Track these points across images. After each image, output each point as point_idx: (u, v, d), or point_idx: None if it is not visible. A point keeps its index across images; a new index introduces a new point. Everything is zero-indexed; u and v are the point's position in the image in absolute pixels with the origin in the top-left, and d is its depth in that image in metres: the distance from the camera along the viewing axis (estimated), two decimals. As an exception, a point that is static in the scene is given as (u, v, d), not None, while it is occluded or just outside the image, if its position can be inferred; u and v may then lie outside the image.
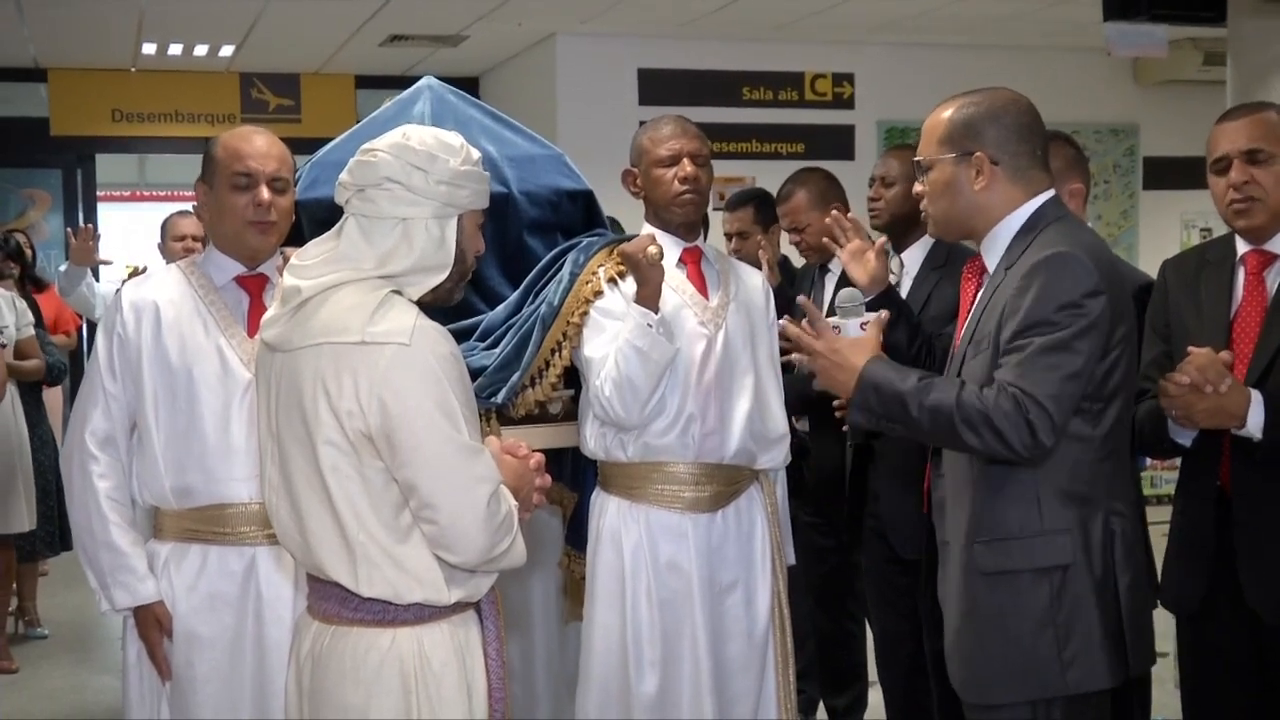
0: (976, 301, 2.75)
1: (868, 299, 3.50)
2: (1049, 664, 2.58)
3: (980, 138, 2.69)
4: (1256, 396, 2.89)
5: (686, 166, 3.46)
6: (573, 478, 3.72)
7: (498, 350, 3.50)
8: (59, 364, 6.52)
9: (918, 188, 2.82)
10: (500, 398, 3.43)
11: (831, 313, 3.08)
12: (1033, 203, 2.70)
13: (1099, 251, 2.64)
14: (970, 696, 2.70)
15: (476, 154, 2.49)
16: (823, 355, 2.69)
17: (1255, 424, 2.90)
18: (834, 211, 3.76)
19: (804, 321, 2.78)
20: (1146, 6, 4.78)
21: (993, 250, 2.73)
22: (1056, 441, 2.52)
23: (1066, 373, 2.51)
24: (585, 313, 3.45)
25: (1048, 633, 2.58)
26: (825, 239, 3.80)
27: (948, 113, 2.74)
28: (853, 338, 2.72)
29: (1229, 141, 3.09)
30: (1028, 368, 2.50)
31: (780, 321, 2.80)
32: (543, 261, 3.65)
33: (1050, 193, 2.73)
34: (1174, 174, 9.79)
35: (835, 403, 3.15)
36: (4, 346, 5.83)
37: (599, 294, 3.46)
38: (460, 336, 2.48)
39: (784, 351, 3.79)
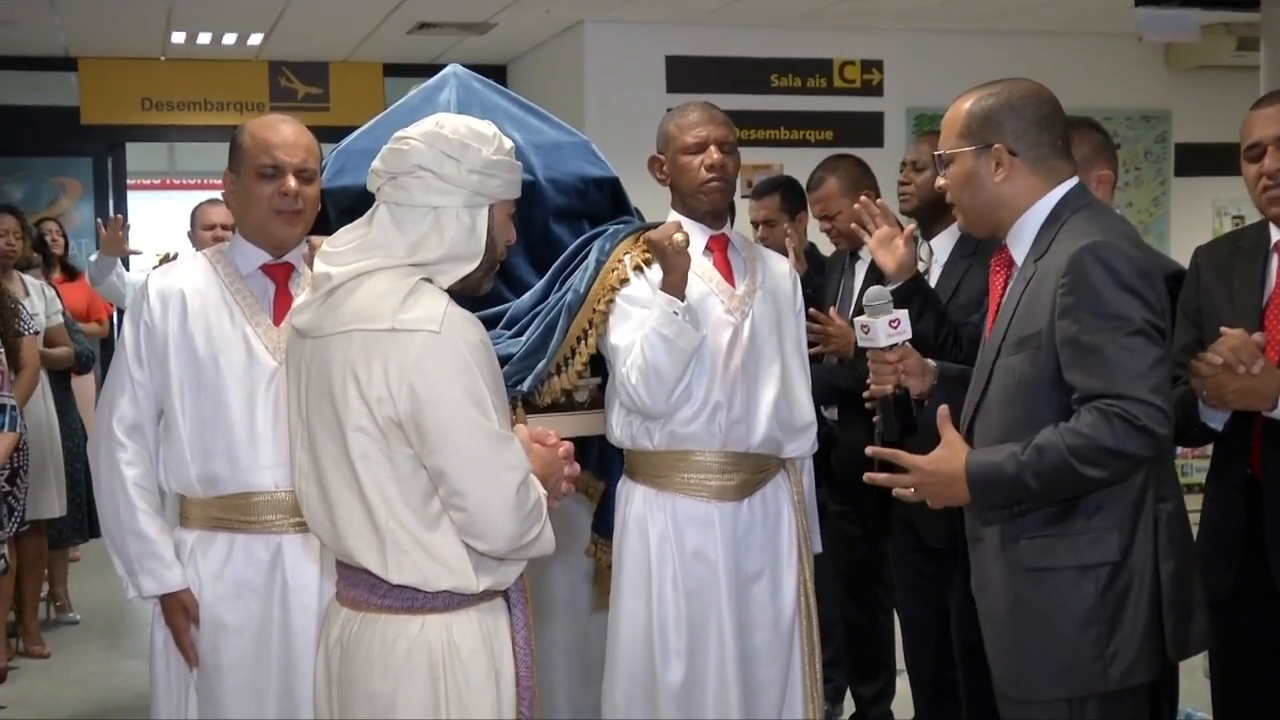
0: (1008, 295, 2.71)
1: (895, 286, 3.49)
2: (1092, 661, 2.56)
3: (999, 130, 2.67)
4: None
5: (713, 154, 3.45)
6: (599, 466, 3.72)
7: (524, 338, 3.50)
8: (88, 352, 6.55)
9: (940, 181, 2.80)
10: (526, 386, 3.43)
11: (860, 310, 3.07)
12: (1056, 192, 2.68)
13: (1130, 236, 2.63)
14: (1012, 691, 2.68)
15: (509, 144, 2.49)
16: (926, 484, 2.64)
17: None
18: (863, 198, 3.74)
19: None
20: (1180, -9, 4.74)
21: (1019, 242, 2.71)
22: (1172, 426, 2.49)
23: (1152, 359, 2.47)
24: (611, 300, 3.45)
25: (1092, 630, 2.56)
26: (854, 225, 3.78)
27: (966, 105, 2.72)
28: (936, 453, 2.63)
29: (1263, 128, 3.07)
30: (1113, 370, 2.46)
31: (867, 475, 2.76)
32: (569, 249, 3.65)
33: (1074, 181, 2.71)
34: (1206, 160, 9.73)
35: (865, 394, 3.13)
36: (36, 334, 5.87)
37: (625, 281, 3.46)
38: (486, 324, 2.48)
39: (812, 344, 3.80)
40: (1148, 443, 2.45)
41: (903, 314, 2.97)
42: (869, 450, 2.73)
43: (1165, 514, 2.60)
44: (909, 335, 2.98)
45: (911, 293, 3.54)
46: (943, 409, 2.67)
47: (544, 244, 3.70)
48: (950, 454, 2.60)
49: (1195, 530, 3.16)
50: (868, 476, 2.72)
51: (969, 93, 2.75)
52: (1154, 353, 2.48)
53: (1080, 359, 2.49)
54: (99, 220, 6.56)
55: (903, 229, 3.57)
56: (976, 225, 2.81)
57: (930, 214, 4.12)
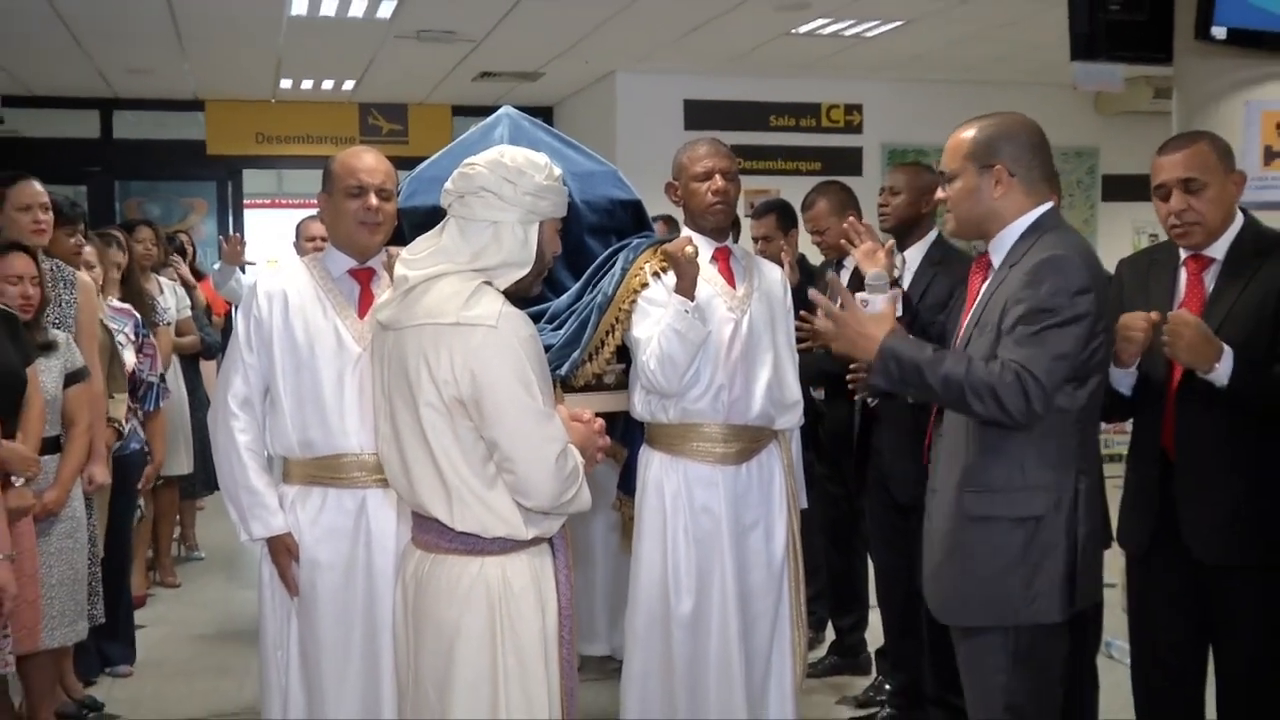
0: (981, 293, 2.68)
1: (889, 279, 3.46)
2: (1015, 598, 2.55)
3: (1000, 152, 2.62)
4: (1228, 350, 2.82)
5: (718, 181, 3.44)
6: (624, 436, 3.71)
7: (562, 331, 3.49)
8: (216, 343, 6.58)
9: (940, 194, 2.75)
10: (564, 370, 3.42)
11: (862, 288, 3.04)
12: (1036, 211, 2.64)
13: (1089, 255, 2.58)
14: (945, 619, 2.68)
15: (558, 172, 2.48)
16: (848, 326, 2.59)
17: (1225, 370, 2.81)
18: (850, 219, 3.71)
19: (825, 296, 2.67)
20: (1106, 48, 4.69)
21: (999, 250, 2.66)
22: (1048, 409, 2.47)
23: (1058, 352, 2.46)
24: (634, 301, 3.44)
25: (1018, 571, 2.54)
26: (841, 241, 3.76)
27: (970, 132, 2.66)
28: (873, 314, 2.61)
29: (1168, 172, 2.99)
30: (1027, 346, 2.45)
31: (812, 291, 2.70)
32: (599, 258, 3.64)
33: (1051, 204, 2.67)
34: (1128, 189, 9.69)
35: (849, 375, 3.10)
36: (169, 325, 5.90)
37: (646, 285, 3.44)
38: (532, 320, 2.47)
39: (800, 339, 3.78)
40: (1024, 410, 2.44)
41: (898, 292, 2.94)
42: (812, 294, 2.67)
43: (1085, 486, 2.58)
44: (902, 313, 2.95)
45: None
46: (897, 291, 2.70)
47: (579, 254, 3.69)
48: (879, 321, 2.58)
49: (1120, 494, 3.14)
50: (811, 293, 2.67)
51: (970, 122, 2.69)
52: (1061, 348, 2.47)
53: (1008, 338, 2.49)
54: (221, 237, 6.65)
55: (883, 244, 3.53)
56: (967, 232, 2.76)
57: (904, 230, 4.09)
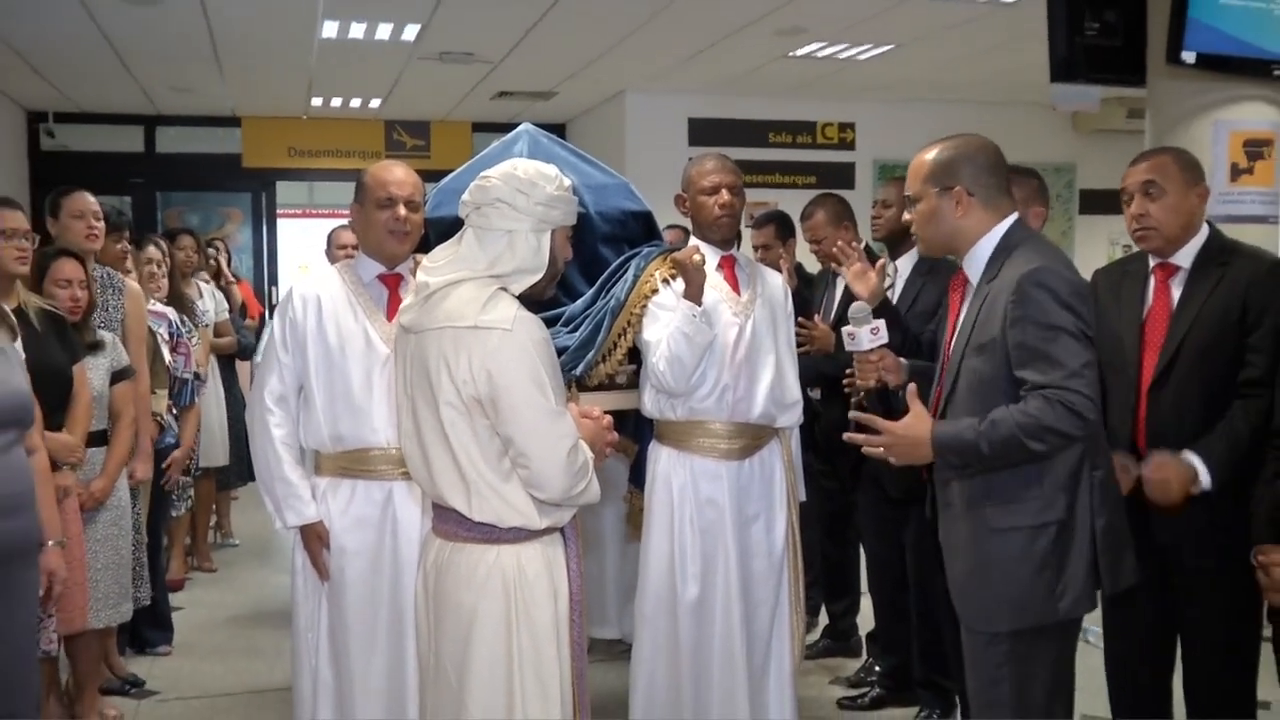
0: (966, 310, 2.61)
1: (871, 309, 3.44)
2: (1045, 599, 2.48)
3: (958, 174, 2.57)
4: (1198, 463, 2.81)
5: (724, 195, 3.42)
6: (635, 432, 3.71)
7: (578, 334, 3.48)
8: (251, 345, 6.59)
9: (906, 216, 2.71)
10: (579, 370, 3.41)
11: (844, 320, 3.01)
12: (1002, 225, 2.58)
13: (1065, 262, 2.55)
14: (977, 625, 2.57)
15: (568, 183, 2.47)
16: (894, 444, 2.52)
17: (1205, 480, 2.81)
18: (841, 240, 3.68)
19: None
20: (1084, 71, 4.70)
21: (973, 265, 2.60)
22: (1098, 411, 2.42)
23: (1084, 361, 2.40)
24: (645, 306, 3.42)
25: (1045, 574, 2.47)
26: (834, 265, 3.75)
27: (930, 155, 2.62)
28: (905, 420, 2.51)
29: (1131, 179, 3.01)
30: (1052, 366, 2.38)
31: (853, 415, 2.61)
32: (612, 266, 3.63)
33: (1015, 216, 2.61)
34: (1103, 203, 9.69)
35: (845, 380, 3.08)
36: (207, 327, 5.91)
37: (656, 291, 3.43)
38: (549, 323, 2.46)
39: (799, 343, 3.77)
40: (1079, 424, 2.38)
41: (880, 322, 2.89)
42: (851, 415, 2.63)
43: (1098, 479, 2.51)
44: (886, 339, 2.90)
45: (880, 314, 3.48)
46: (911, 386, 2.58)
47: (593, 262, 3.68)
48: (917, 422, 2.50)
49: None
50: (846, 436, 2.61)
51: (930, 145, 2.65)
52: (1085, 355, 2.41)
53: (1029, 359, 2.41)
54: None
55: (874, 264, 3.50)
56: (934, 250, 2.72)
57: (895, 240, 4.09)
